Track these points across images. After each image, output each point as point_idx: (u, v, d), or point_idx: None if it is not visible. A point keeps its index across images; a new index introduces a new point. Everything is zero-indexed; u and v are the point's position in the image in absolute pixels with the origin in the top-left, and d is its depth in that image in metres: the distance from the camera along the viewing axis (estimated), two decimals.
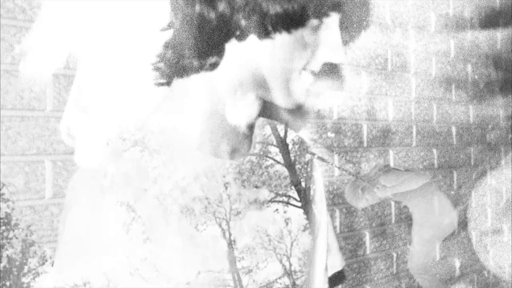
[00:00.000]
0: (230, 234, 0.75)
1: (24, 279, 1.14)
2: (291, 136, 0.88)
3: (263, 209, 0.79)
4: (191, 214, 0.72)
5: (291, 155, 0.87)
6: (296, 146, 0.88)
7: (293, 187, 0.84)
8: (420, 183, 0.74)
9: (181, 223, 0.72)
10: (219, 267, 0.73)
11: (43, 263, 1.18)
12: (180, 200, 0.72)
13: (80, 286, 0.67)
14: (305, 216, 0.84)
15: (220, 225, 0.74)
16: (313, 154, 0.85)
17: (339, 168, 0.86)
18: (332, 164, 0.81)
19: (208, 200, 0.74)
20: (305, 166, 0.88)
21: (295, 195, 0.84)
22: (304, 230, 0.83)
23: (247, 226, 0.77)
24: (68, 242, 0.72)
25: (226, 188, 0.76)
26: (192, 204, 0.73)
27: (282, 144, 0.86)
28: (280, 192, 0.82)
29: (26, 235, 1.18)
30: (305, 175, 0.87)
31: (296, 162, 0.87)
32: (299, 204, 0.84)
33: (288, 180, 0.84)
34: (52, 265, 1.17)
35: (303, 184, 0.86)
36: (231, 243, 0.75)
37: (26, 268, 1.15)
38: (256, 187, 0.80)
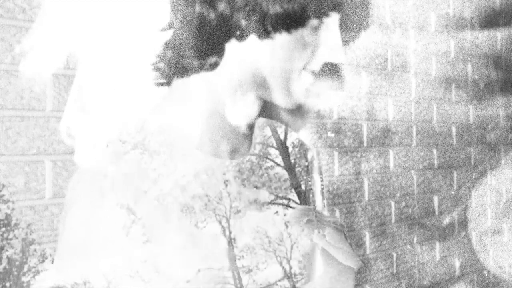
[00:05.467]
0: (230, 232, 0.75)
1: (24, 278, 1.14)
2: (291, 139, 0.88)
3: (263, 211, 0.79)
4: (191, 212, 0.72)
5: (291, 158, 0.87)
6: (296, 149, 0.88)
7: (293, 190, 0.84)
8: (348, 264, 0.73)
9: (181, 222, 0.72)
10: (219, 265, 0.73)
11: (43, 261, 1.18)
12: (180, 198, 0.72)
13: (80, 285, 0.67)
14: None
15: (220, 223, 0.74)
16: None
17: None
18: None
19: (208, 197, 0.74)
20: (305, 169, 0.88)
21: (295, 198, 0.84)
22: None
23: (247, 226, 0.77)
24: (68, 243, 0.72)
25: (226, 185, 0.76)
26: (192, 202, 0.73)
27: (282, 147, 0.86)
28: (280, 195, 0.82)
29: (26, 234, 1.18)
30: (305, 177, 0.87)
31: (296, 165, 0.87)
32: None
33: (288, 183, 0.84)
34: (52, 262, 1.18)
35: (303, 187, 0.86)
36: (231, 241, 0.75)
37: (26, 267, 1.15)
38: (256, 187, 0.80)
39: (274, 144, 0.86)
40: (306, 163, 0.89)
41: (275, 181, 0.82)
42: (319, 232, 0.79)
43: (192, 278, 0.71)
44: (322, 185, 0.87)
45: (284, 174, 0.84)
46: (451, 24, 2.62)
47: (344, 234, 0.81)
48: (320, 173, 0.88)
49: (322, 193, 0.87)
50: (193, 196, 0.73)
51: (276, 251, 0.78)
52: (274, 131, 0.87)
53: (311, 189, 0.88)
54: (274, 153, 0.85)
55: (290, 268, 0.79)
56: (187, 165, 0.74)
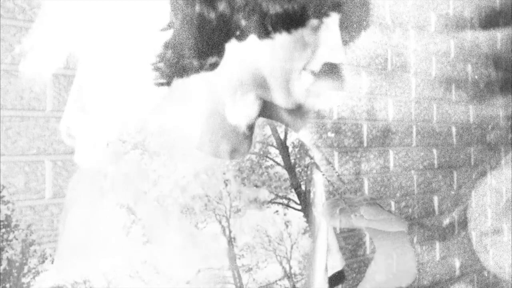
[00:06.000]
0: (230, 231, 0.75)
1: (24, 280, 1.14)
2: (291, 139, 0.88)
3: (263, 209, 0.79)
4: (191, 213, 0.72)
5: (291, 157, 0.87)
6: (296, 149, 0.88)
7: (293, 190, 0.84)
8: (396, 228, 0.74)
9: (181, 223, 0.72)
10: (219, 264, 0.73)
11: (43, 261, 1.18)
12: (180, 199, 0.72)
13: (79, 284, 0.67)
14: (305, 220, 0.84)
15: (220, 222, 0.74)
16: (311, 158, 0.86)
17: (329, 181, 0.86)
18: (325, 174, 0.83)
19: (208, 198, 0.74)
20: (305, 169, 0.88)
21: (295, 198, 0.84)
22: (304, 233, 0.83)
23: (247, 225, 0.77)
24: (68, 243, 0.72)
25: (226, 185, 0.76)
26: (192, 203, 0.73)
27: (282, 147, 0.86)
28: (280, 194, 0.82)
29: (26, 235, 1.18)
30: (305, 178, 0.87)
31: (296, 165, 0.87)
32: (299, 207, 0.84)
33: (288, 183, 0.84)
34: (52, 263, 1.17)
35: (303, 187, 0.86)
36: (231, 240, 0.75)
37: (26, 268, 1.15)
38: (256, 186, 0.80)
39: (274, 143, 0.86)
40: (306, 163, 0.89)
41: (275, 180, 0.82)
42: (355, 215, 0.80)
43: (192, 279, 0.71)
44: (337, 172, 0.88)
45: (284, 173, 0.84)
46: (451, 24, 2.62)
47: (379, 205, 0.82)
48: (330, 163, 0.89)
49: (340, 178, 0.88)
50: (193, 196, 0.73)
51: (276, 250, 0.78)
52: (274, 130, 0.87)
53: (311, 189, 0.88)
54: (274, 152, 0.85)
55: (290, 268, 0.79)
56: (187, 166, 0.74)
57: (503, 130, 2.91)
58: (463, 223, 2.66)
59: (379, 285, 0.81)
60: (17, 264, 1.14)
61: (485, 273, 2.73)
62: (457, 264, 2.62)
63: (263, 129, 0.86)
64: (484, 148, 2.84)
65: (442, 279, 2.53)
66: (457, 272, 2.62)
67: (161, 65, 0.74)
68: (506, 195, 2.81)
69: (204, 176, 0.75)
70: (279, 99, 0.75)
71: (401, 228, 0.81)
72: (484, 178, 2.80)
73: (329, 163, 0.89)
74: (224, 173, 0.77)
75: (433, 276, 2.48)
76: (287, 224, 0.81)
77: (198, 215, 0.73)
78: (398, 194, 2.30)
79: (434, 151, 2.52)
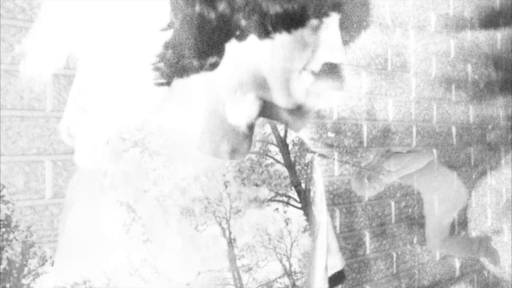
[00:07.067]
0: (230, 233, 0.75)
1: (24, 281, 1.14)
2: (291, 137, 0.88)
3: (263, 208, 0.79)
4: (191, 215, 0.72)
5: (291, 155, 0.87)
6: (296, 147, 0.88)
7: (293, 188, 0.84)
8: (424, 162, 0.75)
9: (181, 224, 0.71)
10: (219, 266, 0.73)
11: (43, 264, 1.17)
12: (180, 201, 0.72)
13: (80, 285, 0.67)
14: (305, 218, 0.84)
15: (220, 224, 0.74)
16: (314, 152, 0.86)
17: (340, 161, 0.87)
18: (333, 159, 0.83)
19: (208, 200, 0.74)
20: (305, 167, 0.88)
21: (295, 196, 0.84)
22: (304, 231, 0.83)
23: (247, 225, 0.77)
24: (68, 242, 0.72)
25: (226, 186, 0.76)
26: (192, 205, 0.73)
27: (282, 144, 0.86)
28: (280, 192, 0.82)
29: (26, 237, 1.18)
30: (305, 176, 0.87)
31: (296, 163, 0.87)
32: (299, 205, 0.84)
33: (288, 180, 0.84)
34: (52, 265, 1.17)
35: (303, 185, 0.86)
36: (231, 242, 0.75)
37: (26, 270, 1.15)
38: (256, 185, 0.80)
39: (274, 141, 0.86)
40: (306, 161, 0.89)
41: (275, 178, 0.82)
42: (383, 174, 0.82)
43: (192, 281, 0.71)
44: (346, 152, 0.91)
45: (284, 171, 0.84)
46: (451, 24, 2.62)
47: (397, 151, 0.84)
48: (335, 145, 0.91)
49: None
50: (193, 199, 0.73)
51: (276, 248, 0.78)
52: (274, 128, 0.87)
53: (311, 187, 0.88)
54: (274, 150, 0.85)
55: (290, 265, 0.79)
56: (187, 167, 0.74)
57: (503, 130, 2.91)
58: (463, 223, 2.66)
59: (441, 218, 0.83)
60: (17, 265, 1.14)
61: (485, 273, 2.74)
62: (457, 264, 2.62)
63: (263, 127, 0.86)
64: (484, 148, 2.84)
65: (442, 279, 2.53)
66: (457, 272, 2.62)
67: (161, 65, 0.74)
68: (506, 195, 2.81)
69: (204, 179, 0.75)
70: (279, 99, 0.75)
71: (429, 158, 0.84)
72: (484, 178, 2.80)
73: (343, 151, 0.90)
74: (224, 175, 0.76)
75: (433, 276, 2.48)
76: (287, 221, 0.81)
77: (198, 217, 0.73)
78: (398, 194, 2.30)
79: (434, 151, 2.52)
